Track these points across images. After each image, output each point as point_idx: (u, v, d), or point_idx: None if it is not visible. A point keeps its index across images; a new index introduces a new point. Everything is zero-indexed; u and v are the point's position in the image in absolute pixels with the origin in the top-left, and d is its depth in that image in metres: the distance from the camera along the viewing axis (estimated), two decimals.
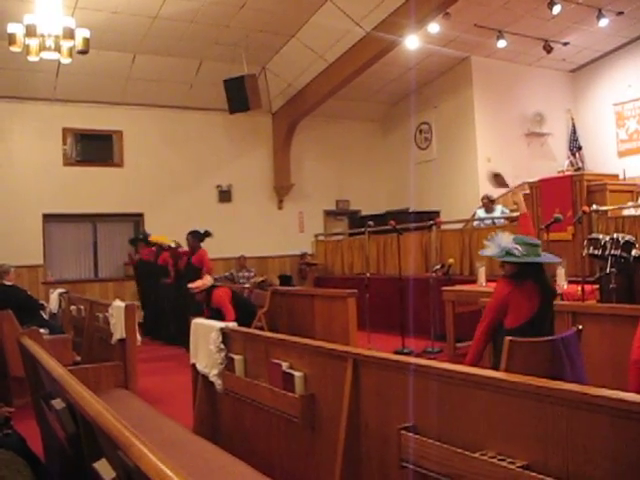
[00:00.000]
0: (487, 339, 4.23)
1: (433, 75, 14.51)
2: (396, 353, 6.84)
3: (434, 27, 11.90)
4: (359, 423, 3.41)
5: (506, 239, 4.25)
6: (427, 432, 2.95)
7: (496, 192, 12.31)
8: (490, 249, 4.31)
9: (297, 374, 3.81)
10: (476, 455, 2.66)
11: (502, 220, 10.64)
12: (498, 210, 11.00)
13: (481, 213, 11.26)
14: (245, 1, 10.77)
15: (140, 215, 13.53)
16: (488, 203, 11.05)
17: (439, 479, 2.80)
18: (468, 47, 13.49)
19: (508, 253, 4.20)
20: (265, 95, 13.61)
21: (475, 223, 11.24)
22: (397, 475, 3.09)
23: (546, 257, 4.35)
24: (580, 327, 3.94)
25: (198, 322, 5.29)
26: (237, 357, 4.57)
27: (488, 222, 10.71)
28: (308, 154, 15.24)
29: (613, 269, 5.97)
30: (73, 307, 9.22)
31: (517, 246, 4.18)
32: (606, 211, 8.13)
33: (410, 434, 2.98)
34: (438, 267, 9.04)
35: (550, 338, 4.11)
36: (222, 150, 14.29)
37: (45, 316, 8.96)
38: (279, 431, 4.11)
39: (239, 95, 12.46)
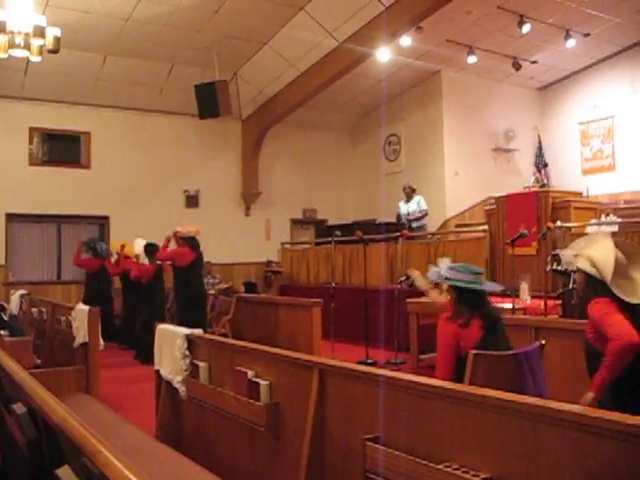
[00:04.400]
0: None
1: (404, 87, 14.62)
2: (360, 363, 6.85)
3: (406, 40, 12.01)
4: (324, 433, 3.41)
5: (444, 264, 4.46)
6: (392, 443, 2.96)
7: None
8: (436, 274, 4.42)
9: (262, 382, 3.80)
10: (440, 467, 2.68)
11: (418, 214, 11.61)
12: (415, 201, 11.74)
13: (402, 205, 11.91)
14: (219, 7, 10.75)
15: (106, 218, 13.40)
16: (410, 192, 11.81)
17: None
18: (439, 61, 13.63)
19: (447, 277, 4.34)
20: (236, 102, 13.59)
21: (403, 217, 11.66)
22: None
23: (488, 285, 4.40)
24: (543, 342, 3.99)
25: (163, 328, 5.25)
26: (202, 364, 4.54)
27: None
28: (277, 162, 15.24)
29: (575, 285, 6.06)
30: (34, 309, 9.09)
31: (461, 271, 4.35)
32: (570, 228, 8.28)
33: (375, 445, 2.99)
34: (403, 278, 9.08)
35: (513, 352, 4.16)
36: (191, 155, 14.22)
37: (5, 317, 8.83)
38: (243, 439, 4.09)
39: (210, 101, 12.43)
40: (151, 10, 10.58)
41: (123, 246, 10.88)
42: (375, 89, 14.39)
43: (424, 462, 2.72)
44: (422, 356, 8.10)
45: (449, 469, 2.65)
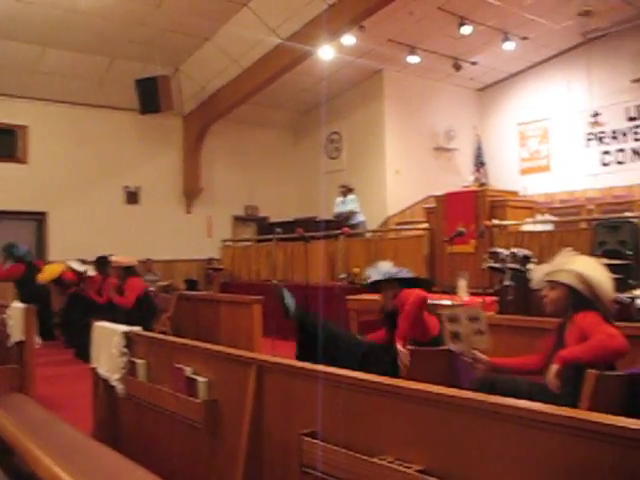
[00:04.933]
0: None
1: (346, 86, 14.70)
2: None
3: (349, 39, 12.08)
4: (262, 429, 3.42)
5: (388, 266, 4.57)
6: (328, 438, 2.99)
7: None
8: (375, 277, 4.57)
9: (201, 379, 3.79)
10: (375, 460, 2.72)
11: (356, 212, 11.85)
12: (348, 200, 11.97)
13: (338, 201, 12.12)
14: (161, 1, 10.64)
15: (43, 214, 13.11)
16: (346, 191, 12.04)
17: None
18: (381, 60, 13.75)
19: (391, 273, 4.51)
20: (177, 97, 13.45)
21: (335, 212, 11.95)
22: None
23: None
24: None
25: (101, 325, 5.18)
26: (140, 361, 4.50)
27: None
28: (219, 159, 15.15)
29: (511, 282, 6.22)
30: None
31: (401, 269, 4.53)
32: (507, 226, 8.47)
33: (311, 440, 3.01)
34: (344, 275, 9.16)
35: (443, 348, 4.27)
36: (131, 151, 14.02)
37: None
38: (181, 437, 4.07)
39: (151, 96, 12.28)
40: (92, 2, 10.40)
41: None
42: (318, 87, 14.43)
43: (359, 456, 2.75)
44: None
45: (384, 462, 2.69)
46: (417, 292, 4.58)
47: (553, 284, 3.56)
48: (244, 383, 3.48)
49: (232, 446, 3.56)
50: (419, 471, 2.60)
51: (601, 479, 2.15)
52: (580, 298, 3.48)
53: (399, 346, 4.17)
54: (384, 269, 4.61)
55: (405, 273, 4.62)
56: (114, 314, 7.42)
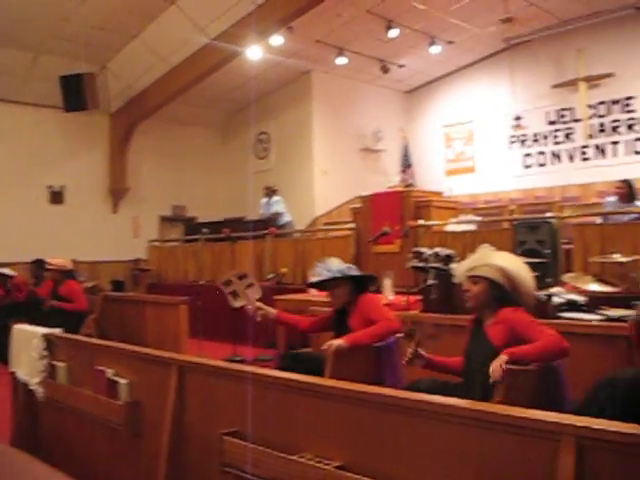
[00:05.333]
0: None
1: (275, 86, 14.71)
2: (228, 361, 6.85)
3: (277, 40, 12.10)
4: (183, 429, 3.42)
5: (337, 263, 4.52)
6: (250, 437, 3.00)
7: None
8: (323, 275, 4.50)
9: (122, 381, 3.75)
10: (294, 457, 2.75)
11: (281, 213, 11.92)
12: (273, 201, 11.99)
13: (263, 203, 12.18)
14: None
15: None
16: (270, 192, 12.11)
17: None
18: (309, 61, 13.82)
19: (342, 271, 4.47)
20: (104, 95, 13.20)
21: (260, 214, 12.07)
22: None
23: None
24: (400, 335, 4.15)
25: (20, 328, 5.06)
26: (60, 364, 4.42)
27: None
28: (146, 158, 14.94)
29: (434, 281, 6.33)
30: None
31: (350, 266, 4.51)
32: (431, 226, 8.63)
33: (232, 439, 3.03)
34: (271, 276, 9.16)
35: (373, 345, 4.32)
36: (55, 149, 13.68)
37: None
38: (103, 439, 4.02)
39: (76, 93, 12.02)
40: None
41: None
42: (247, 87, 14.40)
43: (278, 454, 2.78)
44: (292, 351, 8.17)
45: (303, 459, 2.73)
46: (388, 318, 4.30)
47: (475, 279, 3.60)
48: (165, 384, 3.47)
49: (154, 447, 3.54)
50: (338, 467, 2.64)
51: (513, 469, 2.23)
52: (502, 292, 3.54)
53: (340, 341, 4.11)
54: (334, 267, 4.54)
55: (354, 271, 4.58)
56: (49, 318, 7.28)
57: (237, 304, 4.90)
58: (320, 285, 4.58)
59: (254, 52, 12.05)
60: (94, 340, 4.83)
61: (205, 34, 11.36)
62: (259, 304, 4.75)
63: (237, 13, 10.79)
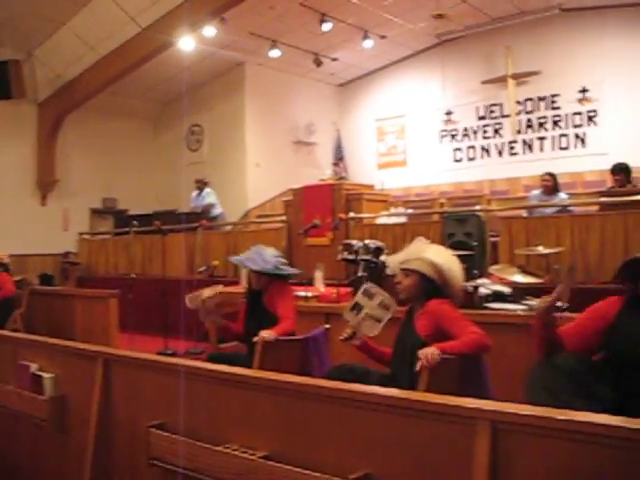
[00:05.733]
0: None
1: (208, 78, 14.58)
2: (159, 354, 6.80)
3: (210, 30, 11.98)
4: (110, 423, 3.39)
5: (271, 253, 4.56)
6: (176, 429, 3.01)
7: None
8: (254, 262, 4.52)
9: (46, 375, 3.70)
10: (220, 448, 2.77)
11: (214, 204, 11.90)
12: (206, 194, 11.95)
13: (194, 196, 12.17)
14: None
15: None
16: (202, 185, 12.07)
17: (186, 474, 2.88)
18: (243, 53, 13.74)
19: (277, 268, 4.56)
20: (31, 84, 12.86)
21: (191, 207, 12.03)
22: (147, 473, 3.12)
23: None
24: (327, 326, 4.21)
25: None
26: None
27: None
28: (76, 149, 14.59)
29: (364, 273, 6.42)
30: None
31: (282, 260, 4.57)
32: (362, 219, 8.73)
33: (158, 431, 3.02)
34: (203, 268, 9.13)
35: (301, 337, 4.37)
36: None
37: None
38: (27, 436, 3.95)
39: (1, 81, 11.69)
40: None
41: None
42: (179, 78, 14.19)
43: (204, 445, 2.80)
44: (221, 345, 8.15)
45: (229, 450, 2.75)
46: (289, 317, 4.40)
47: (407, 272, 3.67)
48: (91, 377, 3.43)
49: (80, 442, 3.50)
50: (263, 457, 2.67)
51: (434, 454, 2.30)
52: (432, 285, 3.62)
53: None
54: (267, 256, 4.60)
55: (284, 268, 4.65)
56: None
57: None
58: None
59: (186, 43, 11.90)
60: (17, 334, 4.74)
61: (136, 23, 11.17)
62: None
63: (169, 3, 10.64)
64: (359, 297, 3.72)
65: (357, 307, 3.69)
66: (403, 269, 3.70)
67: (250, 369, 3.82)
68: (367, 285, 3.81)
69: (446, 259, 3.73)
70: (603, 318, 2.98)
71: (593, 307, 3.12)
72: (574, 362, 2.87)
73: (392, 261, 3.89)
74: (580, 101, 12.52)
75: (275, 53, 13.33)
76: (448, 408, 2.27)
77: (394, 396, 2.43)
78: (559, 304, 3.06)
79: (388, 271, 4.12)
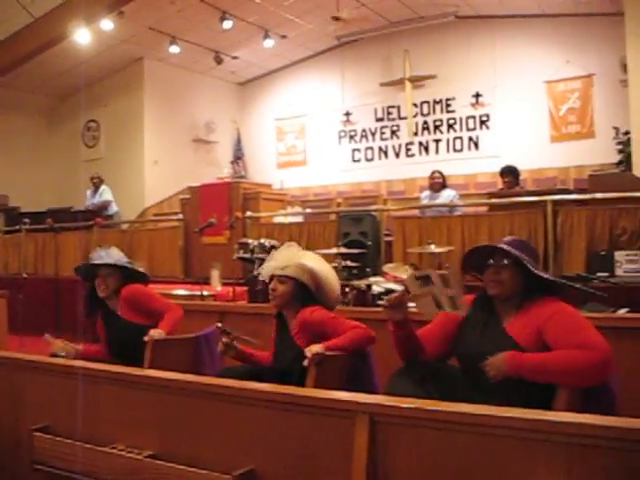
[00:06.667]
0: None
1: (105, 73, 14.24)
2: (53, 356, 6.62)
3: (107, 24, 11.71)
4: None
5: (118, 254, 4.49)
6: (62, 431, 2.97)
7: None
8: (107, 259, 4.43)
9: None
10: (106, 449, 2.75)
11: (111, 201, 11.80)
12: (103, 191, 11.87)
13: (89, 193, 12.06)
14: None
15: None
16: (98, 182, 11.96)
17: (72, 477, 2.84)
18: (142, 49, 13.51)
19: (130, 263, 4.51)
20: None
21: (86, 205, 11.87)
22: (31, 478, 3.06)
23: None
24: (219, 325, 4.21)
25: None
26: None
27: None
28: None
29: (259, 272, 6.45)
30: None
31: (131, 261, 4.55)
32: (259, 217, 8.77)
33: (42, 435, 2.97)
34: None
35: (192, 335, 4.37)
36: None
37: None
38: None
39: None
40: None
41: None
42: (75, 72, 13.77)
43: (88, 446, 2.77)
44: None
45: (114, 450, 2.74)
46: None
47: (283, 278, 3.63)
48: None
49: None
50: (149, 456, 2.67)
51: (318, 448, 2.37)
52: (307, 292, 3.62)
53: None
54: (114, 255, 4.51)
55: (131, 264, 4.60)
56: None
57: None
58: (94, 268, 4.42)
59: (83, 36, 11.60)
60: None
61: (29, 12, 10.79)
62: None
63: None
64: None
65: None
66: (278, 275, 3.66)
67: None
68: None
69: (322, 266, 3.72)
70: (454, 321, 2.99)
71: None
72: (427, 371, 2.85)
73: (265, 268, 3.83)
74: (473, 105, 12.95)
75: (175, 49, 13.15)
76: (328, 402, 2.34)
77: (276, 392, 2.48)
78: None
79: (261, 277, 4.13)
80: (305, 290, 3.62)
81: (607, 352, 2.50)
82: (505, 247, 2.92)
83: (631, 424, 1.88)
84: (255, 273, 6.39)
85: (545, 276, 2.90)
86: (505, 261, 2.89)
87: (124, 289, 4.29)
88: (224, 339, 3.63)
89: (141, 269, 4.63)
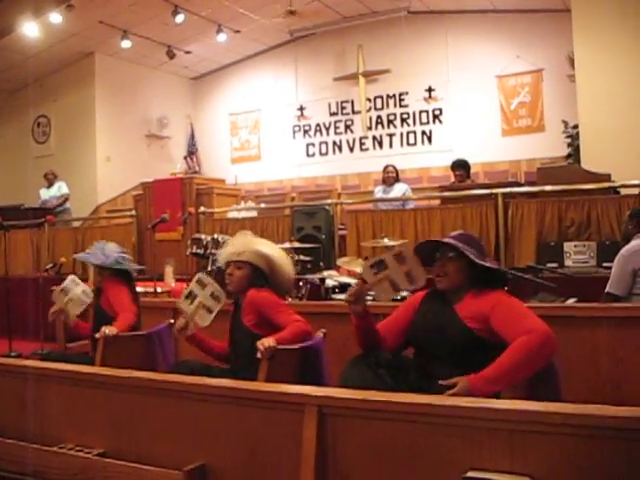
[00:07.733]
0: None
1: (56, 67, 13.98)
2: (4, 357, 6.52)
3: (56, 17, 11.50)
4: None
5: (113, 248, 4.52)
6: (6, 432, 2.93)
7: None
8: (96, 257, 4.48)
9: None
10: (55, 448, 2.72)
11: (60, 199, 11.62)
12: (56, 187, 11.75)
13: (43, 191, 11.93)
14: None
15: None
16: (52, 178, 11.86)
17: (17, 478, 2.80)
18: (92, 43, 13.31)
19: (118, 262, 4.54)
20: None
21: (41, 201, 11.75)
22: None
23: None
24: (172, 321, 4.21)
25: None
26: None
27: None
28: None
29: (213, 267, 6.44)
30: None
31: (124, 255, 4.54)
32: (212, 213, 8.74)
33: None
34: (50, 266, 8.81)
35: (145, 332, 4.35)
36: None
37: None
38: None
39: None
40: None
41: None
42: (24, 66, 13.49)
43: (35, 446, 2.74)
44: (70, 344, 7.91)
45: (64, 450, 2.71)
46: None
47: (239, 264, 3.73)
48: None
49: None
50: (98, 454, 2.66)
51: (269, 441, 2.38)
52: (261, 277, 3.73)
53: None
54: (108, 251, 4.54)
55: (130, 264, 4.63)
56: None
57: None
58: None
59: (31, 29, 11.39)
60: None
61: None
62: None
63: None
64: (193, 285, 3.76)
65: (192, 295, 3.72)
66: (235, 261, 3.75)
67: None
68: (200, 274, 3.86)
69: (277, 252, 3.88)
70: (409, 312, 3.09)
71: (405, 302, 3.29)
72: (382, 358, 2.93)
73: (222, 254, 3.95)
74: (426, 100, 13.07)
75: (126, 44, 12.98)
76: (277, 395, 2.36)
77: (226, 386, 2.49)
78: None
79: (218, 264, 4.19)
80: (260, 275, 3.72)
81: (546, 331, 2.59)
82: (449, 241, 3.01)
83: (574, 410, 1.92)
84: (209, 268, 6.38)
85: (488, 264, 2.96)
86: (450, 254, 2.97)
87: (105, 284, 4.51)
88: (182, 317, 3.70)
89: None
